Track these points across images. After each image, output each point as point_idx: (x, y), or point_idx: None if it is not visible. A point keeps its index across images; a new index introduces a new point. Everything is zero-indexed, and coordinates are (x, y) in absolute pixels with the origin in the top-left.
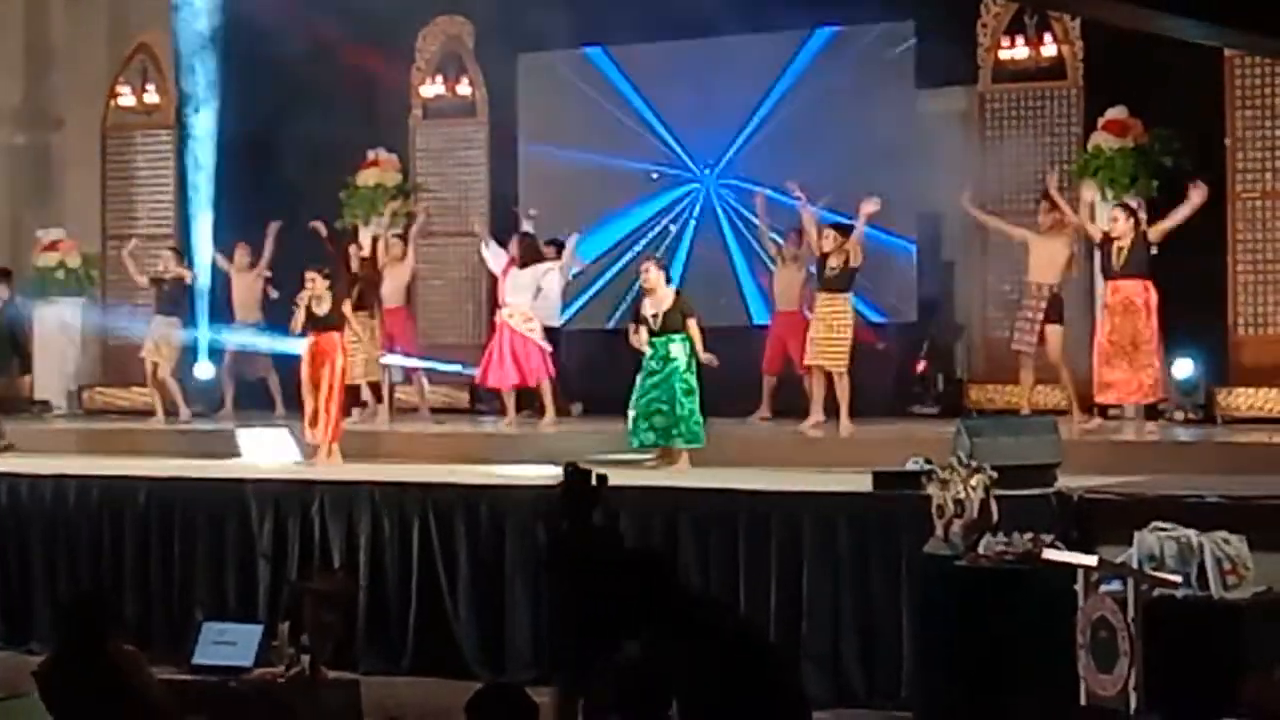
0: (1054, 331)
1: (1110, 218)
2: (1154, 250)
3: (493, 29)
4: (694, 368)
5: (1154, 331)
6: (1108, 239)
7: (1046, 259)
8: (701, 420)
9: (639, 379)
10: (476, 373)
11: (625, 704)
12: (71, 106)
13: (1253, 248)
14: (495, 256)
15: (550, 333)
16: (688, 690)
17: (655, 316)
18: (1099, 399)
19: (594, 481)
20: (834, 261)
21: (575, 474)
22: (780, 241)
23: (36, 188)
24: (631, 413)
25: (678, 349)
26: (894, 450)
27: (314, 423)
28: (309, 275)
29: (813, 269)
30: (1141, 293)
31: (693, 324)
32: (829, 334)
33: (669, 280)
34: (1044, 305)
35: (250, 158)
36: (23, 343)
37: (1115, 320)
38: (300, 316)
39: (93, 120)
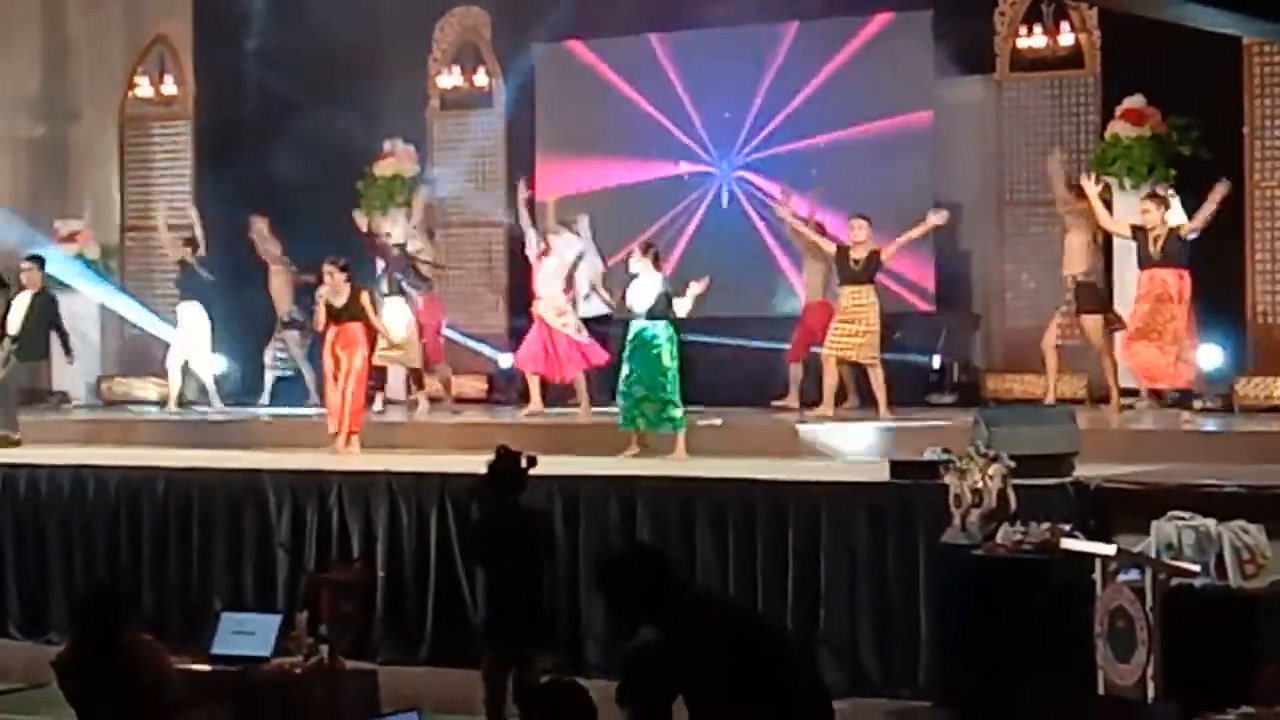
0: (1092, 321)
1: (1141, 209)
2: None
3: (509, 20)
4: (675, 354)
5: (1187, 319)
6: (1141, 229)
7: (1078, 245)
8: (680, 405)
9: (624, 364)
10: (512, 358)
11: (631, 693)
12: (89, 98)
13: (1271, 236)
14: (531, 245)
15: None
16: (696, 681)
17: (642, 299)
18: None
19: (523, 463)
20: (857, 254)
21: (504, 456)
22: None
23: (54, 179)
24: (619, 399)
25: (659, 334)
26: (912, 439)
27: (343, 412)
28: (325, 268)
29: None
30: (1176, 281)
31: (677, 300)
32: (853, 326)
33: (657, 266)
34: (1083, 293)
35: (267, 148)
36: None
37: (1146, 308)
38: (320, 312)
39: (110, 111)
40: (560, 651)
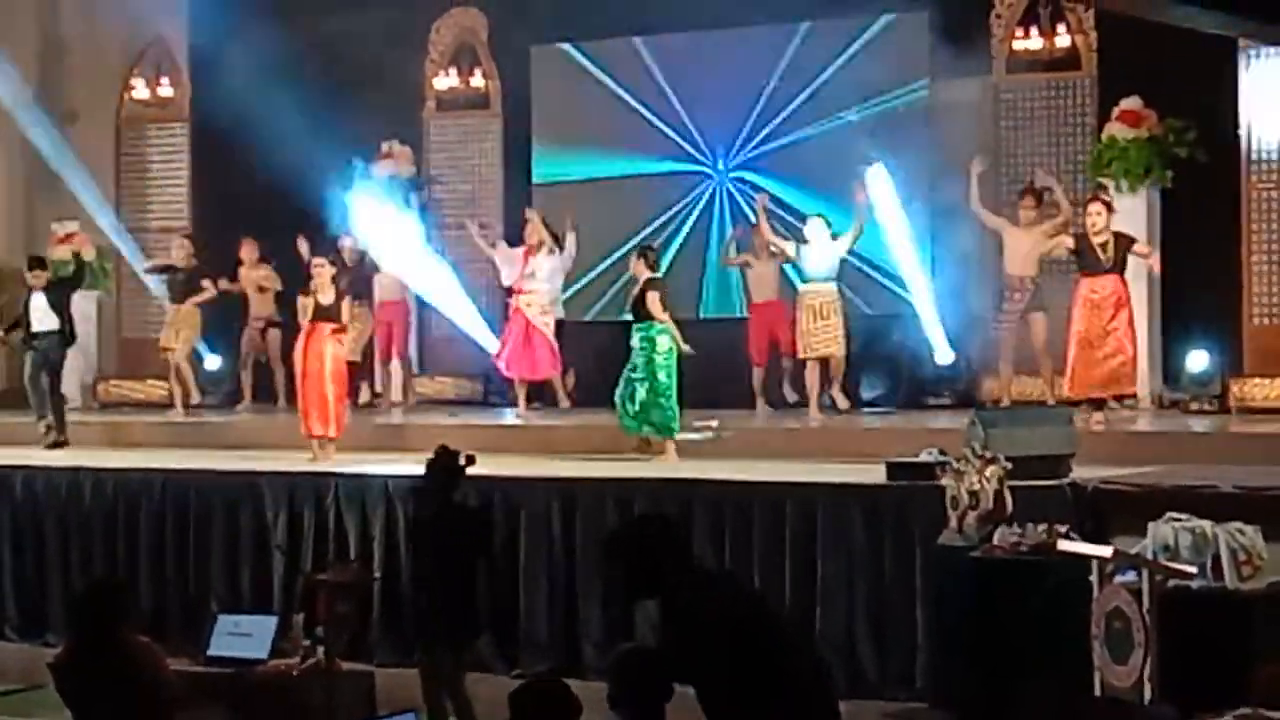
0: (1039, 319)
1: (1091, 213)
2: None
3: (506, 21)
4: (672, 356)
5: (1127, 326)
6: (1085, 237)
7: (1027, 249)
8: (675, 409)
9: (625, 367)
10: (501, 363)
11: (623, 696)
12: (85, 99)
13: (1267, 238)
14: (506, 256)
15: (558, 325)
16: (700, 660)
17: (632, 302)
18: (1070, 392)
19: (462, 462)
20: (821, 251)
21: (442, 455)
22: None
23: (51, 181)
24: (617, 402)
25: (654, 336)
26: (908, 441)
27: (307, 414)
28: (315, 263)
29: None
30: (1120, 288)
31: (652, 297)
32: (828, 323)
33: (651, 268)
34: (1026, 297)
35: (263, 150)
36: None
37: (1093, 314)
38: (308, 308)
39: (107, 113)
40: (499, 645)
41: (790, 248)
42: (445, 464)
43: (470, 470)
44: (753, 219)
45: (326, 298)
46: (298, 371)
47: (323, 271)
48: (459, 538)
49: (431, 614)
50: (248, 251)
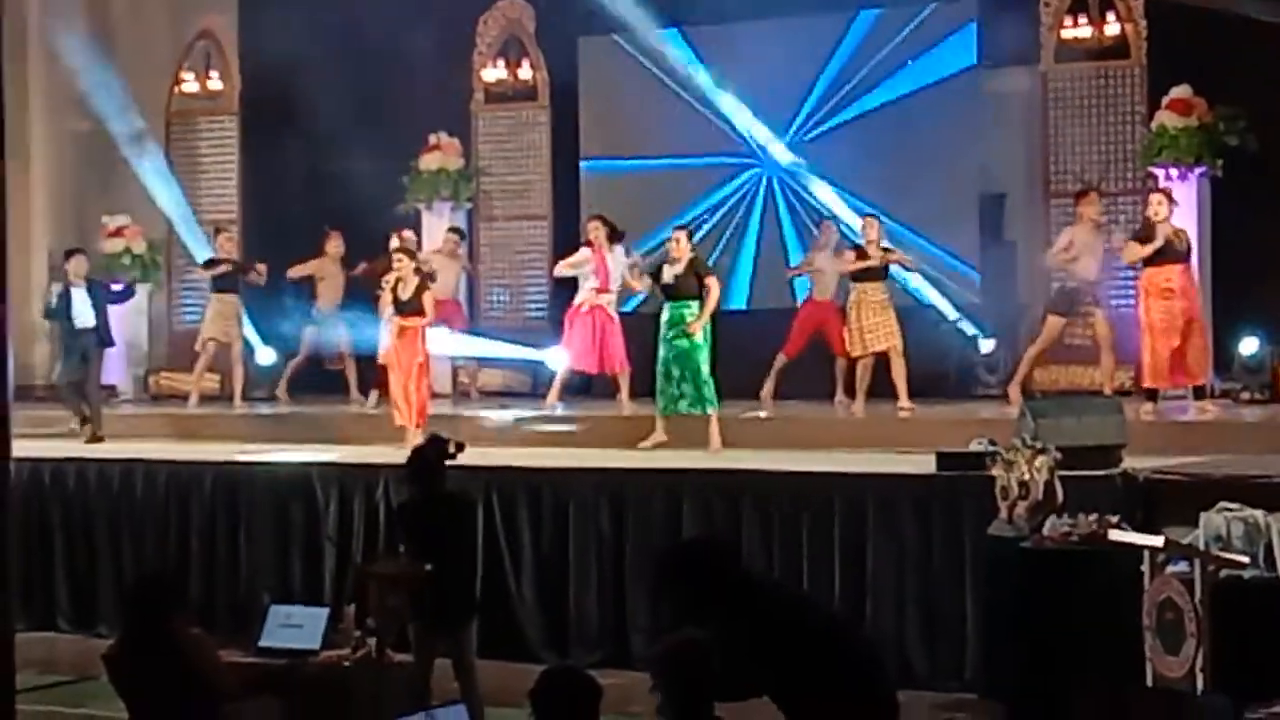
0: (1099, 315)
1: (1155, 202)
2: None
3: (553, 13)
4: (707, 333)
5: (1196, 315)
6: (1150, 224)
7: (1101, 249)
8: (713, 386)
9: (660, 346)
10: (565, 356)
11: (667, 687)
12: (135, 92)
13: None
14: (578, 263)
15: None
16: (768, 675)
17: (675, 279)
18: (1150, 383)
19: (451, 450)
20: (872, 253)
21: (432, 442)
22: (815, 233)
23: (101, 174)
24: (658, 382)
25: (692, 313)
26: (958, 431)
27: (410, 408)
28: (396, 255)
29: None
30: (1184, 277)
31: (711, 282)
32: (878, 319)
33: (691, 247)
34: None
35: (312, 142)
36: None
37: (1163, 305)
38: (388, 300)
39: (157, 106)
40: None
41: (849, 256)
42: (434, 451)
43: (518, 462)
44: (817, 233)
45: (407, 291)
46: (393, 368)
47: (403, 265)
48: (446, 524)
49: (423, 597)
50: (334, 245)
